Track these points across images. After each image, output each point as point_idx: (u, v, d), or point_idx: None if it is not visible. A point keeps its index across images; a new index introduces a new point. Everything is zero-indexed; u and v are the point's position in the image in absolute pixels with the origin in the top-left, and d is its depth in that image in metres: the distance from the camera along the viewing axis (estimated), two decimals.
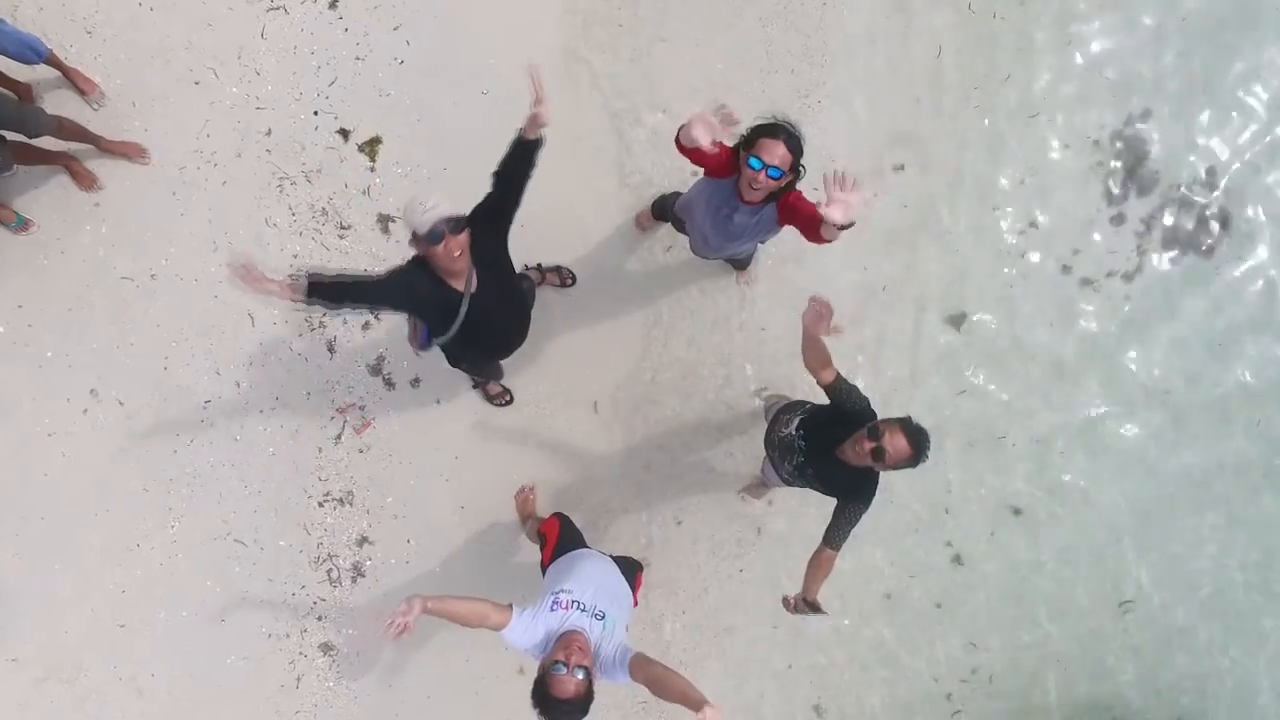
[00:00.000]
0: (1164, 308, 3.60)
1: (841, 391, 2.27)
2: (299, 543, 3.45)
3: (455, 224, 2.03)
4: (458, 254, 2.08)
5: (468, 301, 2.22)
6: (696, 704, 1.84)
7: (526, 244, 2.85)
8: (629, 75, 3.47)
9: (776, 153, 2.06)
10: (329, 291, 2.13)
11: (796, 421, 2.51)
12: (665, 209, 3.01)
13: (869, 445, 2.07)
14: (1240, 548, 3.59)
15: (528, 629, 2.03)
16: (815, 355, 2.23)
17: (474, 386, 3.42)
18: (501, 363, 2.97)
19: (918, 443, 2.07)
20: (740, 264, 3.29)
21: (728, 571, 3.59)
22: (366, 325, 3.46)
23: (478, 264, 2.20)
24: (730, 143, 2.15)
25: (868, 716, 3.62)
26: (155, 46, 3.38)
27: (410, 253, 2.25)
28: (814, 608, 2.24)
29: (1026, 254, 3.56)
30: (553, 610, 2.07)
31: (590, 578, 2.26)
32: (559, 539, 2.57)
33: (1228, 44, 3.57)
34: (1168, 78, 3.57)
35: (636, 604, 2.59)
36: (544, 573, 2.54)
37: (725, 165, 2.21)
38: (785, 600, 2.32)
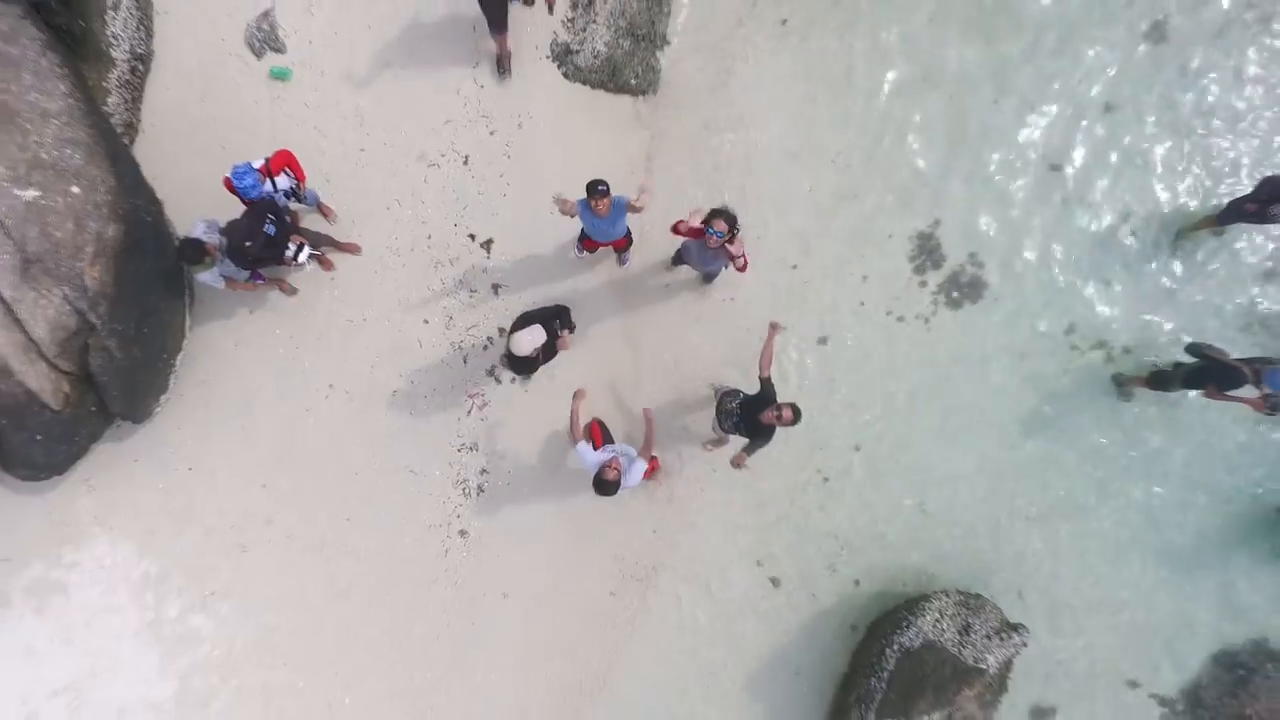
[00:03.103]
0: (949, 336, 6.32)
1: (767, 384, 4.92)
2: (445, 473, 6.14)
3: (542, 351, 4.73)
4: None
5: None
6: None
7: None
8: None
9: (720, 225, 4.68)
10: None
11: (737, 401, 5.19)
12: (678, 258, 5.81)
13: (774, 415, 4.71)
14: (994, 456, 6.31)
15: (593, 456, 4.68)
16: (767, 363, 4.89)
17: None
18: None
19: (798, 416, 4.72)
20: (709, 279, 6.03)
21: (699, 486, 6.27)
22: (485, 347, 6.15)
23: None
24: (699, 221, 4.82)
25: (785, 566, 6.31)
26: (364, 188, 6.06)
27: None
28: (742, 466, 4.94)
29: (864, 300, 6.28)
30: (606, 454, 4.74)
31: (622, 450, 4.93)
32: (602, 436, 5.22)
33: (987, 178, 6.29)
34: (950, 197, 6.28)
35: (650, 475, 5.23)
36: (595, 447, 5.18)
37: (699, 231, 4.85)
38: (732, 463, 4.99)
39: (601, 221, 4.96)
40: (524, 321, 4.79)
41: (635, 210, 4.75)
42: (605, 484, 4.48)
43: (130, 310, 4.84)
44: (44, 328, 4.43)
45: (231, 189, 4.89)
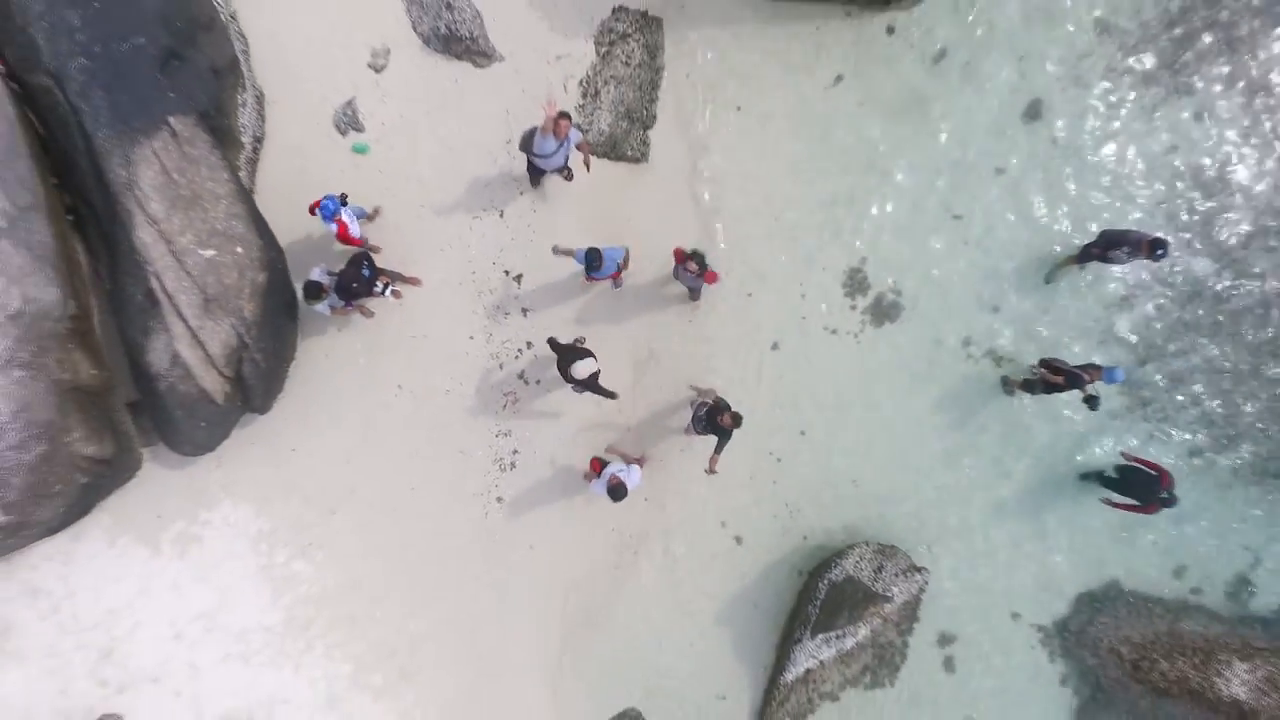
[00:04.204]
0: (874, 347, 8.30)
1: (720, 400, 6.88)
2: (487, 453, 8.14)
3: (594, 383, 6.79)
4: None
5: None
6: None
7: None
8: None
9: (691, 266, 6.83)
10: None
11: (705, 410, 7.14)
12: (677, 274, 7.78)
13: (722, 419, 6.70)
14: (909, 440, 8.28)
15: (598, 485, 6.67)
16: (710, 395, 6.89)
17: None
18: None
19: (737, 421, 6.74)
20: (694, 294, 8.03)
21: (678, 461, 8.24)
22: (516, 356, 8.12)
23: None
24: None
25: (747, 527, 8.28)
26: (424, 235, 8.03)
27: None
28: (714, 470, 6.99)
29: (806, 317, 8.26)
30: (606, 477, 6.68)
31: (616, 469, 6.86)
32: (600, 465, 7.16)
33: (904, 224, 8.26)
34: (875, 239, 8.26)
35: (642, 466, 7.19)
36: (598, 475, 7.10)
37: (685, 258, 6.88)
38: (707, 471, 7.00)
39: (598, 271, 6.95)
40: (571, 356, 6.66)
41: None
42: (616, 490, 6.42)
43: (269, 332, 6.82)
44: (217, 346, 6.40)
45: (345, 234, 6.82)
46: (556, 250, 7.07)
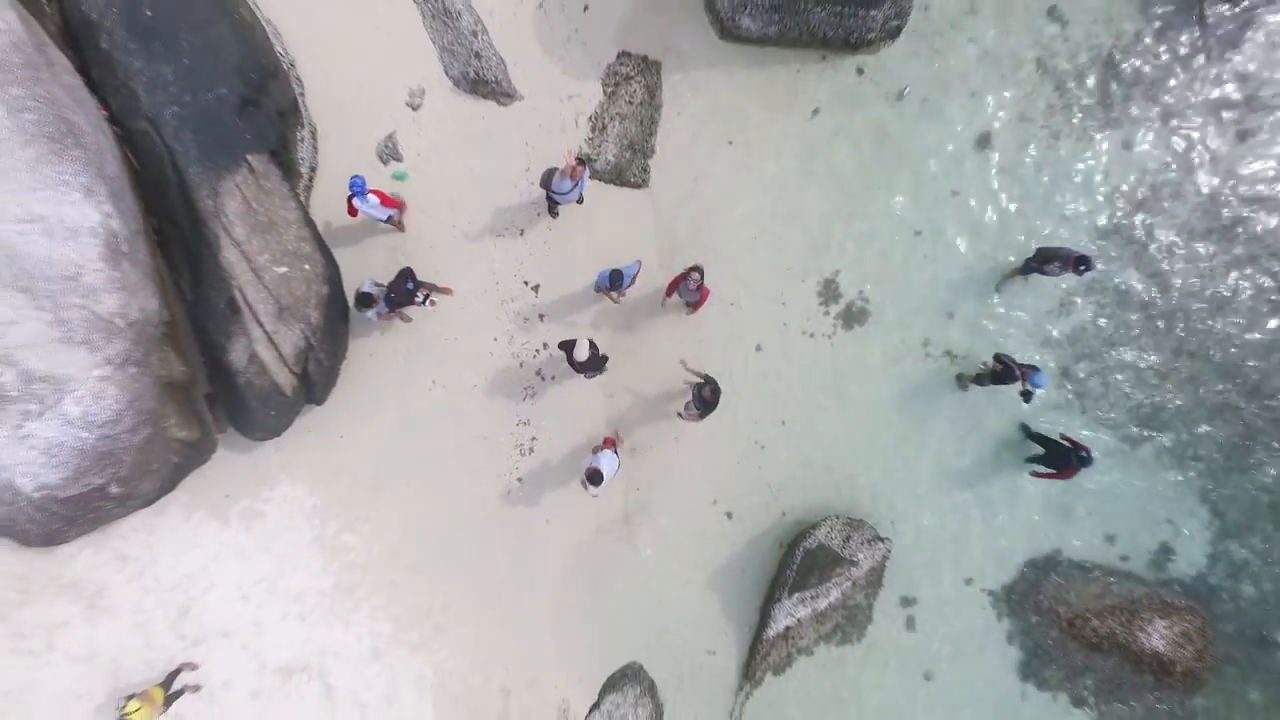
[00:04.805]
0: (845, 348, 9.57)
1: (705, 375, 8.18)
2: (509, 439, 9.44)
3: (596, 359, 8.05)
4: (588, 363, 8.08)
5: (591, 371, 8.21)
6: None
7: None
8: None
9: (695, 275, 8.20)
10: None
11: (694, 389, 8.45)
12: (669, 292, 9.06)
13: (707, 392, 8.02)
14: (875, 429, 9.57)
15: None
16: (699, 372, 8.19)
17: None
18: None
19: (718, 394, 8.10)
20: (692, 308, 9.26)
21: (675, 448, 9.52)
22: (535, 355, 9.40)
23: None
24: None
25: (735, 505, 9.56)
26: (454, 251, 9.30)
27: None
28: (684, 418, 8.43)
29: (786, 322, 9.55)
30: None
31: (594, 458, 8.15)
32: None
33: (871, 240, 9.54)
34: (846, 254, 9.54)
35: (615, 449, 8.49)
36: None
37: (684, 277, 8.27)
38: (679, 414, 8.43)
39: (619, 287, 8.26)
40: (570, 347, 7.88)
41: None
42: (593, 476, 7.74)
43: (329, 335, 8.10)
44: (289, 348, 7.68)
45: (386, 199, 8.05)
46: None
